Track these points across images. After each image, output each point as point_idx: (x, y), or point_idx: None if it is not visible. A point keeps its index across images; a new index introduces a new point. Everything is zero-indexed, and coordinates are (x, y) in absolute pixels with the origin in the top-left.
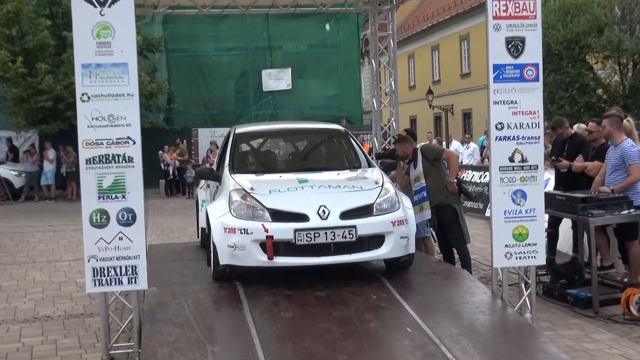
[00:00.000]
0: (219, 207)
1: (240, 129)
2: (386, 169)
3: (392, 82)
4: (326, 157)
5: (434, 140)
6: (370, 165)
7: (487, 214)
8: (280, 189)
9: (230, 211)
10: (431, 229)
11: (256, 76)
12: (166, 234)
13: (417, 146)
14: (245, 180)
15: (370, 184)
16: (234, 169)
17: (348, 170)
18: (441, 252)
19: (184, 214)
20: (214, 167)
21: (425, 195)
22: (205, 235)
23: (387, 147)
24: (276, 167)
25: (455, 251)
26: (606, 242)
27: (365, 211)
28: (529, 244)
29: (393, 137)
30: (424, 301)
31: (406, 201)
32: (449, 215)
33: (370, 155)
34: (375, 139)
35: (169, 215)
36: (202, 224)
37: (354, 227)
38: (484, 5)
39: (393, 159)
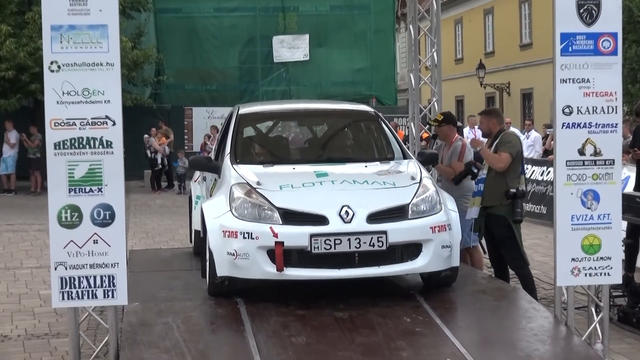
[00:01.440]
0: (218, 205)
1: (245, 109)
2: (427, 161)
3: (435, 54)
4: (351, 146)
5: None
6: (405, 156)
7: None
8: (293, 184)
9: (231, 210)
10: (476, 235)
11: (266, 44)
12: (151, 237)
13: (504, 128)
14: (250, 172)
15: (405, 179)
16: (236, 159)
17: (378, 163)
18: (492, 266)
19: (173, 212)
20: (212, 155)
21: (481, 189)
22: (200, 239)
23: (427, 135)
24: (289, 156)
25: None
26: None
27: (398, 213)
28: (601, 258)
29: (429, 122)
30: (469, 326)
31: (449, 202)
32: (503, 230)
33: (405, 144)
34: (412, 124)
35: (156, 214)
36: (196, 225)
37: (384, 232)
38: None
39: (473, 167)
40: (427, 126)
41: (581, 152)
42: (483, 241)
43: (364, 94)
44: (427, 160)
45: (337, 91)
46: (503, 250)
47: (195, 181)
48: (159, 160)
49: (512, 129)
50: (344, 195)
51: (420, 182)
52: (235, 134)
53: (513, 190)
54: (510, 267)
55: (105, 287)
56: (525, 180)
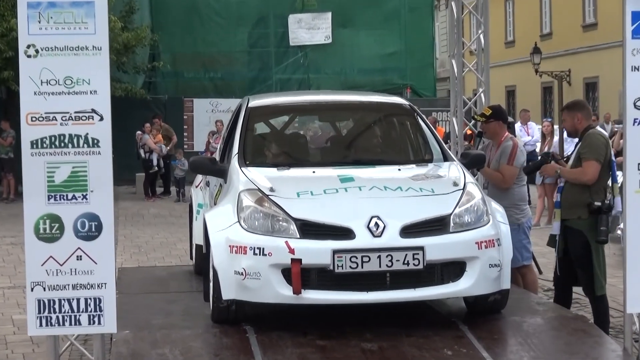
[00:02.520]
0: (223, 216)
1: (255, 102)
2: (472, 163)
3: (481, 36)
4: (381, 145)
5: (545, 122)
6: (446, 158)
7: (618, 232)
8: (313, 191)
9: (239, 221)
10: (532, 253)
11: (280, 24)
12: (145, 252)
13: (592, 124)
14: (262, 176)
15: (445, 185)
16: (245, 160)
17: (413, 165)
18: (555, 287)
19: (171, 223)
20: (217, 156)
21: (558, 199)
22: (202, 256)
23: (471, 132)
24: (307, 158)
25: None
26: None
27: (437, 226)
28: None
29: (474, 117)
30: None
31: (499, 212)
32: (578, 247)
33: (446, 143)
34: (454, 119)
35: (150, 226)
36: (198, 239)
37: (421, 249)
38: None
39: (543, 163)
40: (472, 122)
41: None
42: (535, 260)
43: (397, 84)
44: (472, 163)
45: (364, 80)
46: (578, 271)
47: (196, 187)
48: (154, 162)
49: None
50: (373, 204)
51: (463, 189)
52: (244, 131)
53: (597, 204)
54: (586, 292)
55: (91, 311)
56: (619, 190)
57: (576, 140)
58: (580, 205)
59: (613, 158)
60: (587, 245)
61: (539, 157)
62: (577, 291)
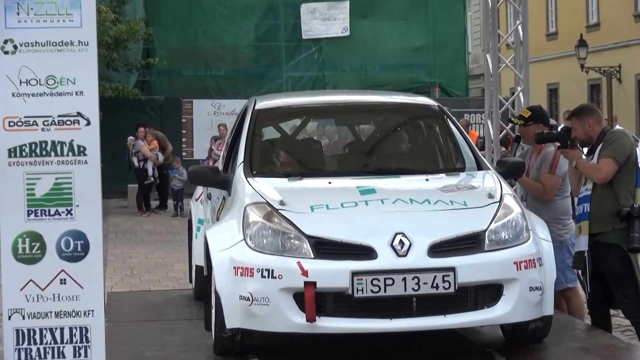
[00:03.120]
0: (227, 233)
1: (263, 103)
2: (510, 173)
3: (520, 28)
4: (407, 152)
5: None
6: (480, 166)
7: None
8: (329, 204)
9: (245, 239)
10: (577, 274)
11: (291, 14)
12: (138, 275)
13: (606, 127)
14: (271, 188)
15: (480, 198)
16: (252, 170)
17: (443, 175)
18: (590, 312)
19: (168, 242)
20: (220, 165)
21: (586, 210)
22: (203, 279)
23: (509, 138)
24: (323, 166)
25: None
26: None
27: (471, 244)
28: None
29: (511, 120)
30: None
31: (540, 228)
32: (617, 264)
33: (480, 149)
34: (489, 122)
35: (144, 244)
36: (198, 259)
37: (452, 270)
38: None
39: (563, 144)
40: (509, 125)
41: None
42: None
43: (424, 82)
44: (510, 172)
45: (387, 78)
46: (617, 291)
47: (196, 200)
48: (149, 172)
49: (617, 127)
50: (398, 220)
51: (500, 202)
52: (250, 137)
53: (627, 209)
54: (625, 314)
55: (76, 342)
56: None
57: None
58: (610, 213)
59: None
60: (626, 259)
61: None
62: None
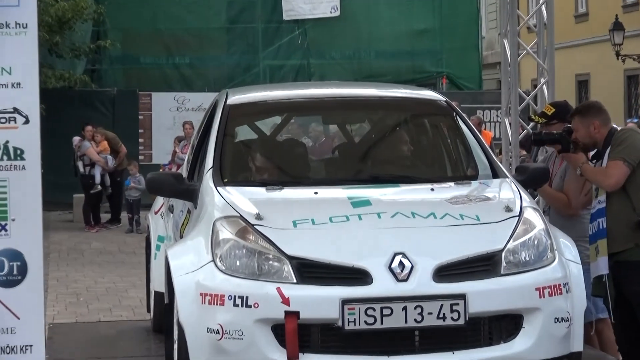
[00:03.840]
0: (193, 253)
1: (237, 97)
2: (531, 181)
3: (544, 8)
4: (408, 157)
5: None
6: (496, 172)
7: None
8: (315, 219)
9: (214, 261)
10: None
11: None
12: (85, 302)
13: (614, 126)
14: (245, 199)
15: (495, 211)
16: (223, 177)
17: (452, 184)
18: (617, 345)
19: (121, 263)
20: (184, 171)
21: (602, 226)
22: (164, 307)
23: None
24: (308, 173)
25: None
26: None
27: (485, 266)
28: None
29: (530, 117)
30: None
31: (567, 247)
32: None
33: (495, 153)
34: (506, 120)
35: (92, 266)
36: (158, 284)
37: (463, 297)
38: None
39: (565, 147)
40: (530, 124)
41: None
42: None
43: (429, 72)
44: (532, 180)
45: (385, 67)
46: None
47: (156, 213)
48: (96, 178)
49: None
50: (398, 237)
51: (520, 216)
52: (221, 137)
53: None
54: None
55: None
56: None
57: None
58: (633, 227)
59: None
60: None
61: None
62: None
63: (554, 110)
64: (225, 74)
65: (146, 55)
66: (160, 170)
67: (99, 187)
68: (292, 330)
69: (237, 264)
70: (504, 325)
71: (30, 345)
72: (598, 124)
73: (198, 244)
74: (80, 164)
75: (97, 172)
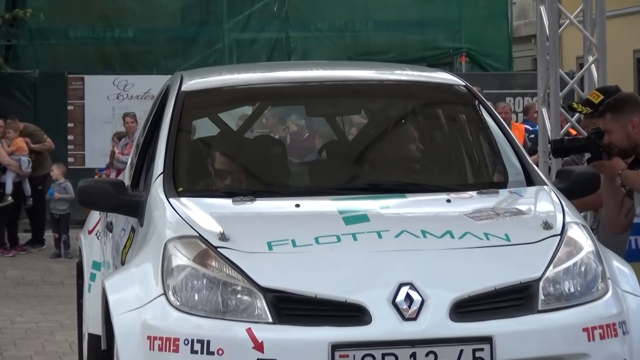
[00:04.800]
0: (137, 284)
1: (194, 82)
2: (578, 189)
3: None
4: (418, 158)
5: None
6: (530, 178)
7: None
8: (297, 239)
9: (165, 294)
10: None
11: None
12: None
13: None
14: (206, 214)
15: (530, 228)
16: (178, 186)
17: (474, 193)
18: None
19: (45, 297)
20: (126, 177)
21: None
22: (100, 355)
23: (575, 133)
24: (287, 180)
25: None
26: None
27: (517, 300)
28: None
29: (572, 105)
30: None
31: (624, 275)
32: None
33: (530, 152)
34: (544, 109)
35: (8, 300)
36: (93, 325)
37: (489, 340)
38: None
39: (595, 155)
40: (576, 115)
41: None
42: None
43: (444, 48)
44: (578, 188)
45: (386, 42)
46: None
47: (90, 232)
48: (8, 187)
49: None
50: (404, 263)
51: (562, 235)
52: (174, 134)
53: None
54: None
55: None
56: None
57: None
58: None
59: None
60: None
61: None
62: None
63: (602, 97)
64: (180, 51)
65: (77, 28)
66: (96, 176)
67: (10, 198)
68: None
69: (196, 298)
70: None
71: None
72: (637, 122)
73: (145, 273)
74: None
75: (9, 179)
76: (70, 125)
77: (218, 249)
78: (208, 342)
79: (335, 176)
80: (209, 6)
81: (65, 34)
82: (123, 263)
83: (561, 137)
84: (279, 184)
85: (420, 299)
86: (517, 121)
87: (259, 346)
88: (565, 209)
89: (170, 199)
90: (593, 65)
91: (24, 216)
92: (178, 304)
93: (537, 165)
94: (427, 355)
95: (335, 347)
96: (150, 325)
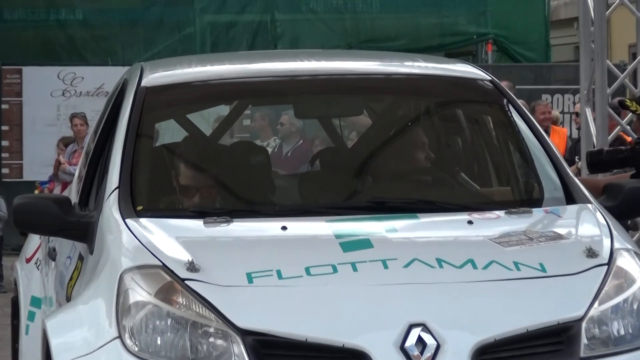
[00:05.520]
0: (87, 324)
1: (157, 75)
2: (629, 208)
3: None
4: (432, 170)
5: None
6: (571, 194)
7: None
8: (282, 270)
9: (121, 337)
10: None
11: None
12: None
13: None
14: (171, 238)
15: (571, 256)
16: (136, 204)
17: (501, 212)
18: None
19: None
20: (73, 193)
21: None
22: None
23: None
24: (271, 197)
25: None
26: None
27: (555, 344)
28: None
29: (623, 102)
30: None
31: None
32: None
33: (569, 161)
34: (587, 109)
35: None
36: None
37: None
38: None
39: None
40: (628, 117)
41: None
42: None
43: (465, 34)
44: (630, 206)
45: (394, 27)
46: None
47: (28, 261)
48: None
49: None
50: (415, 299)
51: (610, 264)
52: (132, 140)
53: None
54: None
55: None
56: None
57: None
58: None
59: None
60: None
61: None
62: None
63: None
64: (141, 37)
65: (14, 9)
66: (36, 191)
67: None
68: None
69: (158, 342)
70: None
71: None
72: None
73: (95, 311)
74: None
75: None
76: (4, 128)
77: (186, 282)
78: None
79: (330, 192)
80: None
81: None
82: (69, 299)
83: (599, 149)
84: (261, 201)
85: (435, 343)
86: (555, 124)
87: None
88: (614, 232)
89: (127, 220)
90: None
91: None
92: (136, 349)
93: (577, 177)
94: None
95: None
96: None
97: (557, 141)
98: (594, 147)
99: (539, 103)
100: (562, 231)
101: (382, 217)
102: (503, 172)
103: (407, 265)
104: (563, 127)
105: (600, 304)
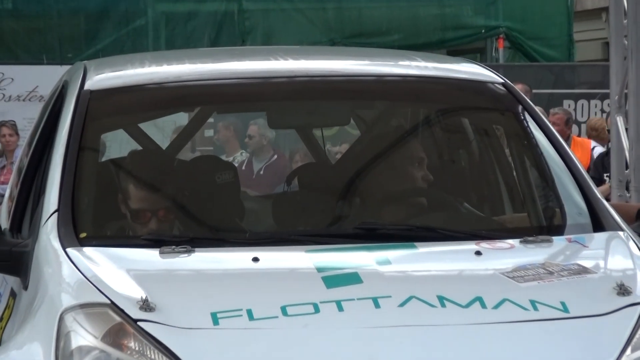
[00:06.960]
0: None
1: (103, 77)
2: None
3: None
4: (432, 191)
5: None
6: (598, 220)
7: None
8: (253, 310)
9: None
10: None
11: None
12: None
13: None
14: (122, 271)
15: (598, 293)
16: (79, 230)
17: (516, 242)
18: None
19: None
20: (2, 218)
21: None
22: None
23: None
24: (239, 222)
25: None
26: None
27: None
28: None
29: None
30: None
31: None
32: None
33: (597, 179)
34: (618, 118)
35: None
36: None
37: None
38: None
39: None
40: None
41: None
42: None
43: (473, 28)
44: None
45: (388, 19)
46: None
47: None
48: None
49: None
50: (412, 345)
51: None
52: (74, 154)
53: None
54: None
55: None
56: None
57: None
58: None
59: None
60: None
61: None
62: None
63: None
64: (82, 30)
65: None
66: None
67: None
68: None
69: None
70: None
71: None
72: None
73: (30, 358)
74: None
75: None
76: None
77: (139, 323)
78: None
79: (311, 216)
80: None
81: None
82: (0, 343)
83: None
84: (228, 227)
85: None
86: (579, 135)
87: None
88: None
89: (69, 250)
90: None
91: None
92: None
93: (607, 200)
94: None
95: None
96: None
97: (580, 154)
98: (627, 162)
99: (552, 112)
100: (588, 264)
101: (372, 246)
102: (517, 194)
103: (402, 304)
104: (587, 139)
105: (633, 351)
